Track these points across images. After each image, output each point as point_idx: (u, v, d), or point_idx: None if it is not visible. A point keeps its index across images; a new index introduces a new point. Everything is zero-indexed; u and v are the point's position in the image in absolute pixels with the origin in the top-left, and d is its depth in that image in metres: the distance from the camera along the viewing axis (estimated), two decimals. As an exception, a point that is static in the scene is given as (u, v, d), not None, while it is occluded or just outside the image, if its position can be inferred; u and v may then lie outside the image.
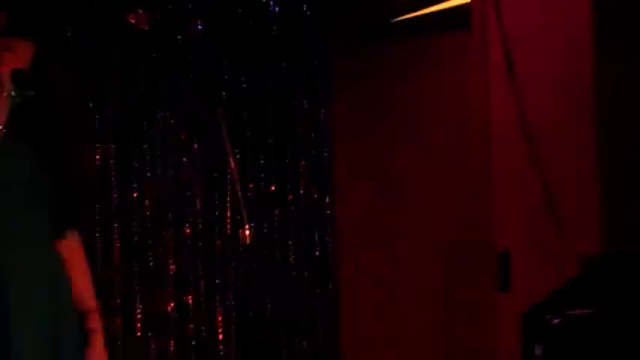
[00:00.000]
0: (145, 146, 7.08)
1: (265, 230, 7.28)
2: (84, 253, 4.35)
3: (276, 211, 7.35)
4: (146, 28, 6.70)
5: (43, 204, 4.18)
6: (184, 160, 7.14)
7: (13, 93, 4.10)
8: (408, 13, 7.13)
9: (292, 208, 7.43)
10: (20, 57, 4.18)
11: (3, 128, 4.11)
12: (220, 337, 7.47)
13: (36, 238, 4.16)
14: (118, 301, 7.19)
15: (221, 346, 7.39)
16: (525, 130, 6.17)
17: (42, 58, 4.25)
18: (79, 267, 4.29)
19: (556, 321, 5.24)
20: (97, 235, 7.09)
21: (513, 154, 6.20)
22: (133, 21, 6.69)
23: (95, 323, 4.27)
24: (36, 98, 4.17)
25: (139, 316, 7.23)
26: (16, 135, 4.14)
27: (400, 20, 7.17)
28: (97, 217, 7.10)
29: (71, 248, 4.24)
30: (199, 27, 7.07)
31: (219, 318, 7.40)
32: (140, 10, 6.65)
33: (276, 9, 7.33)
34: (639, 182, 6.01)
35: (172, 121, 7.14)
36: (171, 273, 7.20)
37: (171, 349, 7.34)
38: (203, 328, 7.29)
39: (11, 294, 4.06)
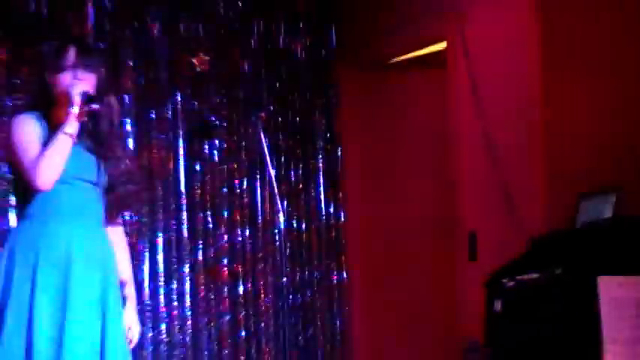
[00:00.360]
0: (206, 152, 7.12)
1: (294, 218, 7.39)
2: (125, 237, 4.56)
3: (302, 203, 7.40)
4: (206, 69, 6.99)
5: (100, 196, 4.25)
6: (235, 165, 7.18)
7: (83, 111, 4.14)
8: (401, 56, 7.20)
9: (313, 203, 7.45)
10: (88, 84, 4.18)
11: (72, 134, 4.10)
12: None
13: (95, 220, 4.25)
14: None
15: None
16: (487, 141, 6.38)
17: (101, 85, 4.25)
18: (121, 247, 4.44)
19: (510, 284, 5.48)
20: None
21: (478, 159, 6.51)
22: (197, 63, 6.99)
23: (130, 291, 4.40)
24: (96, 115, 4.23)
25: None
26: (83, 142, 4.22)
27: (395, 61, 7.26)
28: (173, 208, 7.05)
29: (116, 232, 4.40)
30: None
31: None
32: (202, 55, 6.97)
33: (303, 54, 7.38)
34: (572, 181, 5.89)
35: (226, 132, 7.16)
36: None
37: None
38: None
39: (73, 257, 4.13)
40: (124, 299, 4.31)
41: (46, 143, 4.14)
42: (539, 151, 6.18)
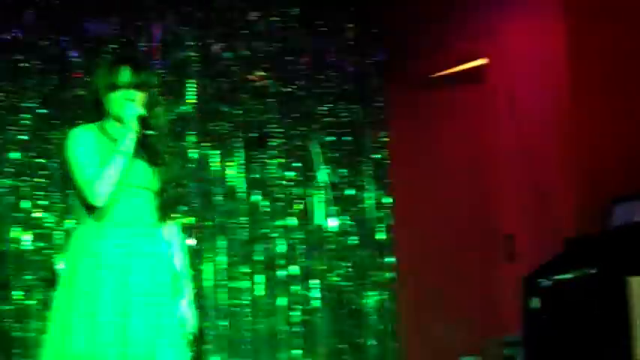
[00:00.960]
0: (263, 162, 7.10)
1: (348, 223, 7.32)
2: (180, 235, 4.40)
3: (352, 209, 7.30)
4: (263, 84, 7.01)
5: (152, 200, 4.17)
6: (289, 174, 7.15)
7: (138, 132, 4.08)
8: (443, 71, 7.20)
9: (364, 209, 7.37)
10: (140, 103, 4.12)
11: (126, 153, 4.06)
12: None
13: (149, 222, 4.17)
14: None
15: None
16: (522, 149, 6.44)
17: (152, 101, 4.20)
18: (176, 244, 4.35)
19: (546, 283, 5.56)
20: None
21: (514, 167, 6.54)
22: (254, 78, 7.04)
23: (186, 283, 4.30)
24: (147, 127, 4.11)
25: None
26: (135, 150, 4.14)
27: (439, 75, 7.23)
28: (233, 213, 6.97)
29: (172, 231, 4.31)
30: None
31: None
32: (260, 73, 7.04)
33: (352, 70, 7.35)
34: (604, 185, 5.93)
35: (283, 143, 7.15)
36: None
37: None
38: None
39: (131, 259, 4.06)
40: (179, 291, 4.28)
41: (100, 156, 4.11)
42: (572, 157, 6.21)
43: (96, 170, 4.07)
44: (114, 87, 4.12)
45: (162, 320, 4.14)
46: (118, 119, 4.15)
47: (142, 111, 4.12)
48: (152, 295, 4.12)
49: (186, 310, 4.30)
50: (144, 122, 4.12)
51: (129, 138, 4.09)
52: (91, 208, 4.10)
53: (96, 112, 4.21)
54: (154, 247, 4.22)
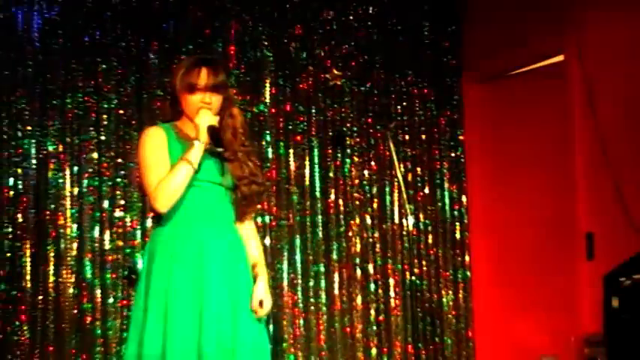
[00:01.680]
0: (340, 160, 7.13)
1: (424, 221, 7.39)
2: (256, 230, 4.54)
3: (428, 206, 7.33)
4: (339, 83, 7.02)
5: (226, 196, 4.28)
6: (366, 172, 7.17)
7: (207, 146, 4.19)
8: (520, 68, 7.21)
9: (440, 206, 7.42)
10: (215, 107, 4.26)
11: (194, 162, 4.14)
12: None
13: (222, 218, 4.27)
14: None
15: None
16: (600, 144, 6.37)
17: (227, 103, 4.29)
18: (252, 237, 4.44)
19: (627, 282, 5.42)
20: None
21: (594, 164, 6.47)
22: (330, 78, 7.03)
23: (261, 271, 4.38)
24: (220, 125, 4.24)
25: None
26: (208, 147, 4.24)
27: (515, 72, 7.26)
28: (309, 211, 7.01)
29: (245, 226, 4.41)
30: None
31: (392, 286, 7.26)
32: (335, 70, 7.02)
33: (429, 67, 7.42)
34: None
35: (358, 141, 7.16)
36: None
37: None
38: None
39: (205, 255, 4.15)
40: (254, 279, 4.34)
41: (172, 157, 4.19)
42: None
43: (162, 175, 4.14)
44: (192, 89, 4.18)
45: (240, 307, 4.21)
46: (192, 121, 4.18)
47: (214, 121, 4.22)
48: (229, 284, 4.19)
49: (262, 292, 4.33)
50: (214, 134, 4.20)
51: (196, 149, 4.17)
52: (158, 212, 4.22)
53: (172, 110, 4.28)
54: (228, 241, 4.28)
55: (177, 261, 4.13)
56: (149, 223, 6.51)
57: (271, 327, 6.60)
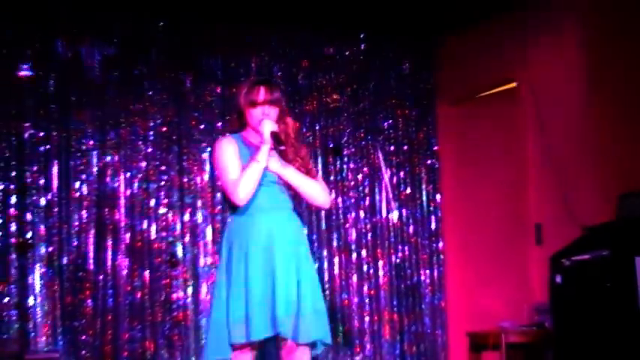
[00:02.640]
0: (338, 167, 7.06)
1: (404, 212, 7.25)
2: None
3: (410, 204, 7.24)
4: (337, 105, 6.98)
5: (286, 191, 4.15)
6: (359, 177, 7.11)
7: (272, 148, 4.06)
8: (482, 93, 7.13)
9: (419, 204, 7.33)
10: (273, 117, 4.13)
11: (263, 162, 4.01)
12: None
13: (285, 208, 4.16)
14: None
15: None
16: (549, 155, 6.38)
17: (283, 113, 4.18)
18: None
19: (568, 263, 5.50)
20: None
21: (543, 169, 6.50)
22: (330, 101, 7.01)
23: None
24: (278, 140, 4.08)
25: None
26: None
27: (480, 96, 7.18)
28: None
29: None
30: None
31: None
32: (334, 95, 7.03)
33: (409, 92, 7.33)
34: (615, 184, 5.79)
35: (352, 151, 7.11)
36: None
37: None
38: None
39: (274, 239, 4.06)
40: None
41: (242, 160, 4.12)
42: (589, 161, 6.17)
43: (237, 174, 4.07)
44: (254, 104, 4.12)
45: (303, 281, 4.13)
46: (256, 131, 4.15)
47: (274, 127, 4.11)
48: (294, 261, 4.12)
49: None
50: (276, 137, 4.09)
51: (264, 151, 4.08)
52: (235, 205, 4.12)
53: (239, 123, 4.21)
54: (291, 226, 4.19)
55: (252, 244, 4.09)
56: (186, 217, 6.54)
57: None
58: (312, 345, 4.16)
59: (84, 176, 6.38)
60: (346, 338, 6.93)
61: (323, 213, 6.97)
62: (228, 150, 4.15)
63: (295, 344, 4.08)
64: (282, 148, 4.08)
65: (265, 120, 4.09)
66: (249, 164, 4.07)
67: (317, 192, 4.24)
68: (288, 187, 4.18)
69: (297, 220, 4.29)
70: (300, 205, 4.42)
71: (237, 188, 4.05)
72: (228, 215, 4.24)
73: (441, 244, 7.34)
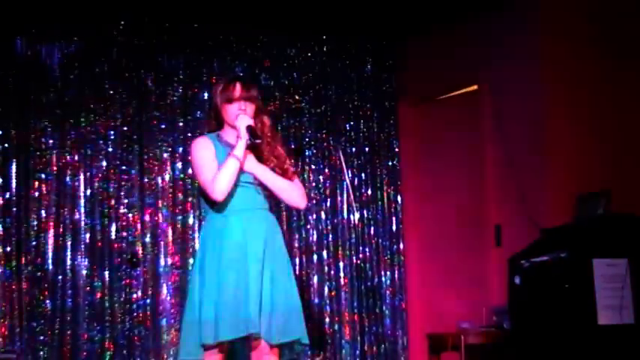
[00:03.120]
0: (300, 167, 6.97)
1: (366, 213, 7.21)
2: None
3: (371, 204, 7.21)
4: (299, 108, 7.00)
5: (260, 191, 4.15)
6: (320, 178, 7.12)
7: (248, 141, 4.06)
8: (444, 95, 7.13)
9: (380, 203, 7.28)
10: (249, 113, 4.14)
11: (239, 156, 4.03)
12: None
13: (259, 208, 4.15)
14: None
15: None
16: (506, 155, 6.45)
17: (258, 110, 4.16)
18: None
19: (527, 264, 5.58)
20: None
21: (502, 173, 6.55)
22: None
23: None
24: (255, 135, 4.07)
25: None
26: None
27: (440, 98, 7.18)
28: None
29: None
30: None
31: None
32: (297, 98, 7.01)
33: (370, 93, 7.32)
34: (573, 187, 5.92)
35: (314, 153, 7.10)
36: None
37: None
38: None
39: (247, 238, 4.06)
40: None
41: (218, 159, 4.14)
42: (546, 164, 6.23)
43: (215, 172, 4.09)
44: (230, 100, 4.15)
45: (277, 277, 4.15)
46: (233, 127, 4.18)
47: (250, 121, 4.14)
48: (268, 258, 4.13)
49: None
50: (252, 131, 4.12)
51: (240, 145, 4.10)
52: (213, 203, 4.15)
53: (215, 122, 4.24)
54: (265, 224, 4.21)
55: (226, 244, 4.10)
56: (147, 217, 6.53)
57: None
58: (290, 346, 4.17)
59: (42, 176, 6.33)
60: (313, 339, 6.92)
61: (284, 214, 6.92)
62: (205, 149, 4.17)
63: (268, 346, 4.07)
64: (258, 141, 4.10)
65: (241, 114, 4.12)
66: (227, 159, 4.06)
67: (290, 192, 4.27)
68: (264, 187, 4.19)
69: (273, 220, 4.31)
70: (277, 205, 4.44)
71: (215, 184, 4.05)
72: (205, 216, 4.27)
73: (401, 246, 7.34)
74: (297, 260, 7.02)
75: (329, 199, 7.15)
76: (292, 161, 4.42)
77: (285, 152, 4.38)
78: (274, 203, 4.49)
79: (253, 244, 4.16)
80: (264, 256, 4.17)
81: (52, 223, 6.34)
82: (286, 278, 4.25)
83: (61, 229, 6.37)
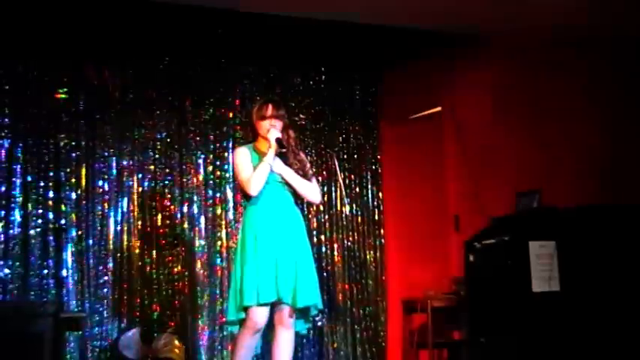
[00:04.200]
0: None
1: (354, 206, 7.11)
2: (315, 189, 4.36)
3: (359, 200, 7.12)
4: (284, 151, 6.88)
5: (287, 188, 4.21)
6: (319, 178, 6.93)
7: (277, 150, 4.14)
8: (414, 115, 7.08)
9: (366, 199, 7.19)
10: (278, 128, 4.21)
11: (270, 163, 4.08)
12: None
13: (287, 202, 4.22)
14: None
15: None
16: (465, 164, 6.53)
17: (285, 125, 4.24)
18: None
19: (479, 246, 5.59)
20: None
21: (460, 174, 6.62)
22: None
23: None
24: (282, 146, 4.12)
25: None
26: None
27: (413, 117, 7.11)
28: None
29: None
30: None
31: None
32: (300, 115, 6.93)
33: (357, 112, 7.21)
34: (515, 186, 5.87)
35: (315, 160, 6.94)
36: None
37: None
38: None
39: (278, 224, 4.13)
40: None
41: (253, 163, 4.17)
42: (494, 168, 6.25)
43: (252, 175, 4.14)
44: (263, 118, 4.23)
45: (300, 259, 4.18)
46: (265, 139, 4.25)
47: (279, 134, 4.21)
48: (291, 246, 4.17)
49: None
50: (280, 142, 4.21)
51: (271, 153, 4.18)
52: (249, 197, 4.18)
53: (251, 134, 4.32)
54: (290, 216, 4.25)
55: (260, 229, 4.14)
56: (185, 209, 6.48)
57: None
58: (306, 310, 4.22)
59: (105, 176, 6.37)
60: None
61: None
62: (243, 156, 4.25)
63: (291, 310, 4.13)
64: (284, 150, 4.19)
65: (272, 129, 4.20)
66: (260, 164, 4.17)
67: (308, 190, 4.34)
68: (289, 185, 4.25)
69: (297, 211, 4.35)
70: (298, 201, 4.46)
71: (251, 183, 4.13)
72: (244, 207, 4.31)
73: (382, 231, 7.26)
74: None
75: (326, 195, 7.08)
76: (312, 167, 4.45)
77: (305, 158, 4.44)
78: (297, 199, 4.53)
79: (282, 229, 4.18)
80: (291, 240, 4.18)
81: (112, 213, 6.35)
82: (307, 257, 4.25)
83: (119, 218, 6.37)
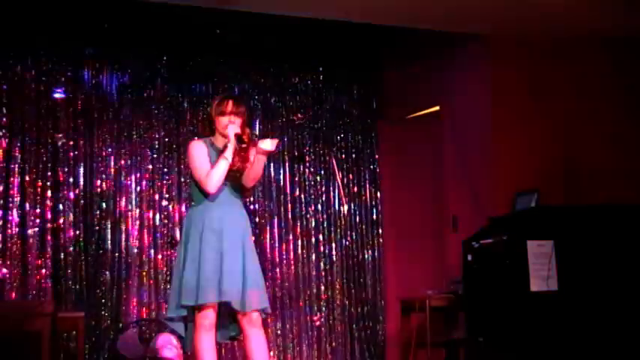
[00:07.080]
0: (300, 171, 7.00)
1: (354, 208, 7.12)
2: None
3: (357, 200, 7.13)
4: (302, 122, 6.90)
5: (236, 189, 4.06)
6: (317, 178, 7.01)
7: (236, 146, 3.97)
8: (412, 114, 7.06)
9: (364, 199, 7.19)
10: (237, 125, 4.03)
11: (229, 158, 3.93)
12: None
13: (236, 203, 4.07)
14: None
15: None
16: (462, 164, 6.44)
17: (244, 123, 4.07)
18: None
19: (477, 245, 5.56)
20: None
21: (457, 174, 6.53)
22: (295, 118, 6.93)
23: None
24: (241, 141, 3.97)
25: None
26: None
27: (409, 117, 7.11)
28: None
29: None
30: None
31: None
32: (298, 114, 6.93)
33: (357, 113, 7.25)
34: (513, 186, 5.85)
35: (313, 160, 7.05)
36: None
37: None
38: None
39: (224, 226, 3.98)
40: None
41: (210, 159, 4.03)
42: (492, 168, 6.17)
43: (209, 171, 4.01)
44: (222, 113, 4.12)
45: (244, 261, 4.05)
46: (223, 135, 4.10)
47: (238, 130, 4.06)
48: (236, 249, 4.04)
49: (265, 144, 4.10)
50: (240, 138, 4.05)
51: (229, 149, 4.03)
52: (205, 194, 4.07)
53: (210, 129, 4.19)
54: (238, 215, 4.13)
55: (206, 228, 4.04)
56: (183, 208, 6.47)
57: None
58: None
59: (103, 176, 6.37)
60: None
61: (289, 206, 6.90)
62: (199, 149, 4.12)
63: (258, 317, 4.04)
64: (244, 145, 4.08)
65: (230, 125, 4.08)
66: (218, 160, 4.05)
67: (260, 160, 4.07)
68: (236, 187, 4.12)
69: (244, 213, 4.20)
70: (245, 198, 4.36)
71: (208, 179, 4.02)
72: (190, 206, 4.21)
73: (380, 231, 7.26)
74: (300, 242, 6.92)
75: (324, 195, 7.10)
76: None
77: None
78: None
79: (228, 230, 4.06)
80: (238, 241, 4.07)
81: (110, 213, 6.34)
82: (254, 261, 4.12)
83: (117, 217, 6.36)
